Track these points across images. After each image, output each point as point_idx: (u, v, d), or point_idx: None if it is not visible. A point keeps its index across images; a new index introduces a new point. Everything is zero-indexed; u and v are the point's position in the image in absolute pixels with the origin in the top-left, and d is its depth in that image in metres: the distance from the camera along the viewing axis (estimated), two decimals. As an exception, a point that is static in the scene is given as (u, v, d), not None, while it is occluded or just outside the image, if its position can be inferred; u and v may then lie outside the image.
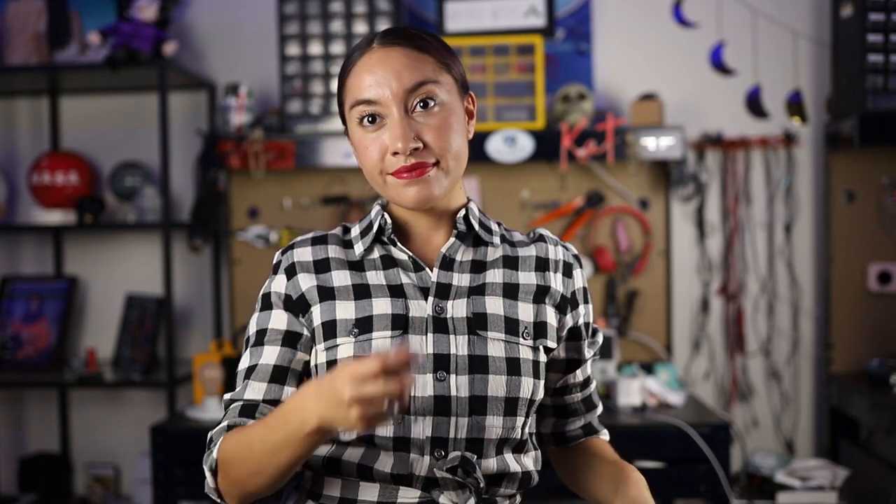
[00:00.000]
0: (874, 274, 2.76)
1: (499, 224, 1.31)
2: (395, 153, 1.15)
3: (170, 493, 2.35)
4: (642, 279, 2.84)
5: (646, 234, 2.84)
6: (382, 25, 2.70)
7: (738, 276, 2.86)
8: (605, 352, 2.55)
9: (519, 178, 2.84)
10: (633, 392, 2.42)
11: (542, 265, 1.26)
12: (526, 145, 2.66)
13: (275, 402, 1.17)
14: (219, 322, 2.98)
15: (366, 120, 1.17)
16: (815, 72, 2.84)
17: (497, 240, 1.26)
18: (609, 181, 2.82)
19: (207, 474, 1.16)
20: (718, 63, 2.69)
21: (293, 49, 2.74)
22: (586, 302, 1.30)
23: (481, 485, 1.14)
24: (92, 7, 2.86)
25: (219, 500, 1.17)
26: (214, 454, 1.15)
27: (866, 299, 2.77)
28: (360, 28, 2.71)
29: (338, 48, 2.73)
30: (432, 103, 1.15)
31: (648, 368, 2.69)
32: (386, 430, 1.14)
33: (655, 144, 2.67)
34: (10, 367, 2.88)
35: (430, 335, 1.16)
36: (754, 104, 2.70)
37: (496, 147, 2.65)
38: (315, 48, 2.74)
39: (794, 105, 2.69)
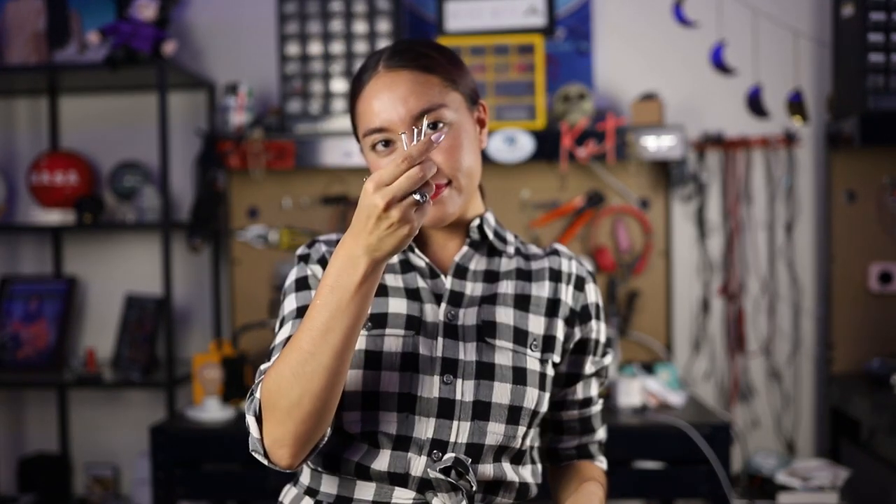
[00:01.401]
0: (875, 274, 2.75)
1: (515, 236, 1.33)
2: None
3: (169, 494, 2.34)
4: (642, 279, 2.84)
5: (646, 234, 2.83)
6: (382, 25, 2.70)
7: (739, 276, 2.85)
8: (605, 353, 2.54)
9: (519, 177, 2.84)
10: (633, 392, 2.42)
11: (554, 277, 1.27)
12: (526, 145, 2.65)
13: None
14: (218, 322, 2.97)
15: (379, 146, 1.19)
16: (815, 71, 2.84)
17: (511, 250, 1.28)
18: (609, 181, 2.81)
19: (251, 423, 1.08)
20: (719, 63, 2.69)
21: (293, 49, 2.73)
22: (598, 318, 1.30)
23: (473, 488, 1.14)
24: (91, 6, 2.86)
25: (266, 461, 1.10)
26: (257, 395, 1.08)
27: (867, 299, 2.77)
28: (360, 28, 2.71)
29: (338, 48, 2.72)
30: (441, 125, 1.17)
31: (649, 368, 2.69)
32: (389, 428, 1.14)
33: (656, 144, 2.67)
34: (9, 368, 2.88)
35: (440, 339, 1.18)
36: (755, 104, 2.69)
37: (496, 147, 2.65)
38: (315, 48, 2.73)
39: (795, 105, 2.68)
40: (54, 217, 2.89)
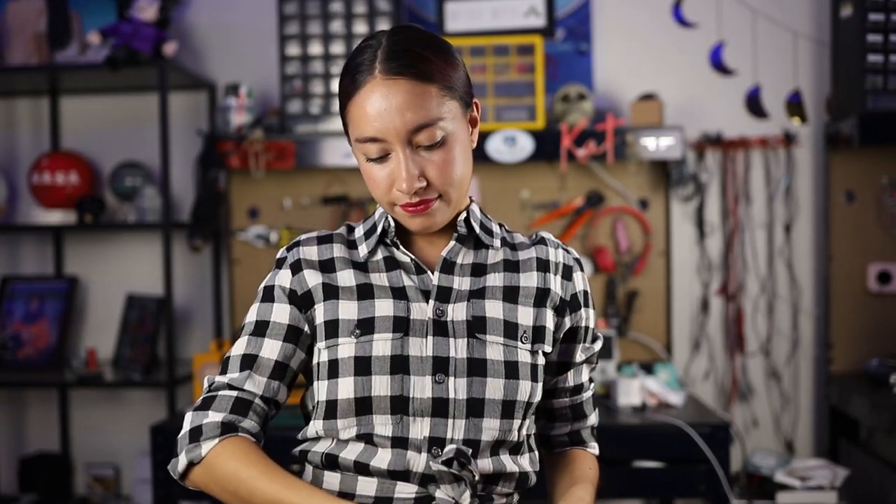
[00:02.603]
0: (874, 274, 2.76)
1: (500, 226, 1.32)
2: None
3: (170, 493, 2.35)
4: (642, 279, 2.84)
5: (646, 234, 2.84)
6: (382, 26, 2.70)
7: (738, 276, 2.86)
8: (605, 352, 2.55)
9: (519, 178, 2.84)
10: (633, 392, 2.42)
11: (542, 266, 1.27)
12: (526, 145, 2.66)
13: (269, 400, 1.20)
14: (219, 322, 2.98)
15: (372, 156, 1.17)
16: (814, 72, 2.84)
17: (497, 242, 1.27)
18: (609, 181, 2.82)
19: (183, 460, 1.15)
20: (718, 63, 2.70)
21: (293, 49, 2.74)
22: (587, 306, 1.30)
23: (476, 477, 1.14)
24: (92, 7, 2.86)
25: (178, 480, 1.18)
26: (203, 453, 1.14)
27: (866, 299, 2.77)
28: (361, 28, 2.71)
29: (338, 48, 2.73)
30: (437, 140, 1.15)
31: (648, 368, 2.69)
32: (385, 430, 1.15)
33: (655, 144, 2.67)
34: (10, 367, 2.89)
35: (430, 338, 1.17)
36: (754, 104, 2.70)
37: (496, 147, 2.65)
38: (315, 48, 2.74)
39: (794, 105, 2.69)
40: (55, 217, 2.90)
